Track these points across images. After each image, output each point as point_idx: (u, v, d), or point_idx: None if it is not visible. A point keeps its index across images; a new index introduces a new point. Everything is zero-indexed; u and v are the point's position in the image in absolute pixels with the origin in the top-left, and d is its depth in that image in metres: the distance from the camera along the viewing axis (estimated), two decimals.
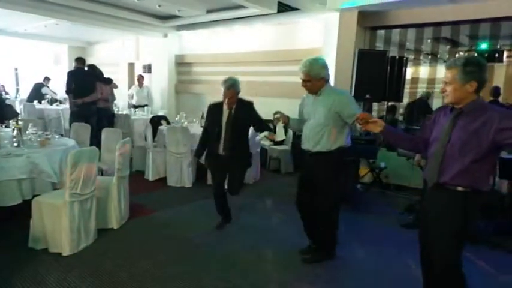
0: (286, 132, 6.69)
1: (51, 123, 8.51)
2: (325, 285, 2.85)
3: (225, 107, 3.57)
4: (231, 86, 3.48)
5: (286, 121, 3.12)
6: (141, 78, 8.90)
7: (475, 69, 1.96)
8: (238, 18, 7.21)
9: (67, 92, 6.28)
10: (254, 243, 3.50)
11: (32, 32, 10.35)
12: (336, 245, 3.26)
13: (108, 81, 7.08)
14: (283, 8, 6.44)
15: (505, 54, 7.57)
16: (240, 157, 3.63)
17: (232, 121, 3.55)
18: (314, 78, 2.90)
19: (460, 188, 2.00)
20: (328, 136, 2.92)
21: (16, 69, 14.12)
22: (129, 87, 10.13)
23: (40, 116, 8.85)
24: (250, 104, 3.65)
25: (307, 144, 3.04)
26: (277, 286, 2.80)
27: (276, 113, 3.11)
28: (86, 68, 6.67)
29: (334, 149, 2.93)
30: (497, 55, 7.12)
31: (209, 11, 7.07)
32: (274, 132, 3.36)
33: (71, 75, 6.20)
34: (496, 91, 6.28)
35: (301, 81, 2.99)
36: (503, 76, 8.19)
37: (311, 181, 3.05)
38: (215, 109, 3.66)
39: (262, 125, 3.64)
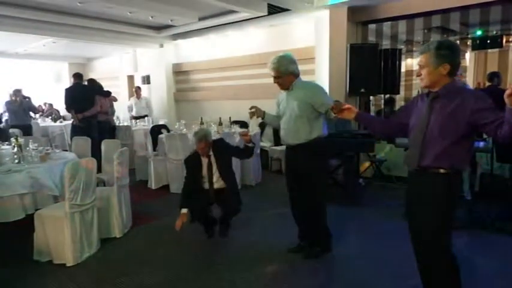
0: (263, 128, 6.76)
1: (55, 139, 8.66)
2: (325, 279, 2.87)
3: (202, 158, 3.53)
4: (203, 137, 3.42)
5: (262, 116, 3.19)
6: (138, 90, 9.01)
7: (447, 52, 2.00)
8: (231, 23, 7.29)
9: (67, 109, 6.36)
10: (255, 245, 3.51)
11: (32, 52, 10.57)
12: (331, 237, 3.28)
13: (107, 94, 7.19)
14: (273, 10, 6.49)
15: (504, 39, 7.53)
16: (231, 199, 3.56)
17: (217, 166, 3.53)
18: (283, 73, 2.99)
19: (442, 170, 2.03)
20: (304, 128, 3.00)
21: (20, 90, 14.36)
22: (130, 99, 10.26)
23: (44, 134, 9.02)
24: (221, 141, 3.71)
25: (286, 139, 3.13)
26: (278, 283, 2.83)
27: (252, 107, 3.17)
28: (85, 83, 6.78)
29: (312, 139, 3.01)
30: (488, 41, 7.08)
31: (201, 18, 7.16)
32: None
33: (67, 91, 6.22)
34: (492, 76, 6.17)
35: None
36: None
37: (296, 175, 3.12)
38: (193, 162, 3.57)
39: (244, 152, 3.61)
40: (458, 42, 8.28)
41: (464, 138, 1.99)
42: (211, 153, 3.52)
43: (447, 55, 2.00)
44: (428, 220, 2.07)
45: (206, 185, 3.57)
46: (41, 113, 10.35)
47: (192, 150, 3.79)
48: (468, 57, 9.07)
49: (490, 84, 5.99)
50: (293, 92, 3.06)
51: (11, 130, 6.82)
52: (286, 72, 2.99)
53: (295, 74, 3.04)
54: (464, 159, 2.06)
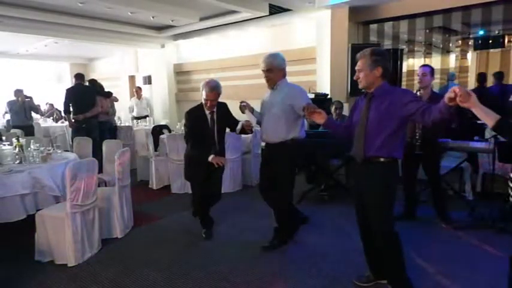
0: None
1: (57, 140, 8.67)
2: (327, 278, 2.87)
3: (206, 112, 3.43)
4: (215, 87, 3.31)
5: (252, 110, 3.31)
6: (139, 90, 8.99)
7: (379, 57, 2.35)
8: (232, 23, 7.30)
9: (64, 111, 6.32)
10: (256, 245, 3.51)
11: (33, 52, 10.59)
12: (296, 231, 3.52)
13: (108, 94, 7.19)
14: (274, 10, 6.50)
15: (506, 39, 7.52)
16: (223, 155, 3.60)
17: (216, 126, 3.47)
18: (276, 68, 3.12)
19: (382, 159, 2.37)
20: (282, 128, 3.13)
21: (22, 90, 14.39)
22: (130, 99, 10.28)
23: (46, 134, 9.04)
24: (225, 105, 3.58)
25: (264, 136, 3.29)
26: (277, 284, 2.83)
27: (242, 102, 3.30)
28: (86, 83, 6.78)
29: (289, 140, 3.14)
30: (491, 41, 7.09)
31: (202, 19, 7.17)
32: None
33: (69, 92, 6.17)
34: (481, 77, 6.43)
35: (291, 77, 3.31)
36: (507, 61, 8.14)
37: (268, 171, 3.30)
38: (197, 115, 3.45)
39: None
40: (460, 42, 8.28)
41: (397, 130, 2.33)
42: (214, 110, 3.43)
43: (379, 60, 2.34)
44: (375, 201, 2.42)
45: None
46: (45, 113, 10.35)
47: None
48: (470, 58, 9.06)
49: (478, 85, 6.17)
50: (277, 92, 3.19)
51: (12, 130, 6.82)
52: (278, 67, 3.13)
53: (284, 73, 3.19)
54: (398, 148, 2.39)
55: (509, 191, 2.98)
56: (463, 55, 8.63)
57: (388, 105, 2.30)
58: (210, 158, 3.32)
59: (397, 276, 2.51)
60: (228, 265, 3.13)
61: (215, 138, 3.46)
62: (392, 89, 2.43)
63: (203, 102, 3.38)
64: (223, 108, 3.53)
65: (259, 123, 3.36)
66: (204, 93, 3.32)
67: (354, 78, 2.45)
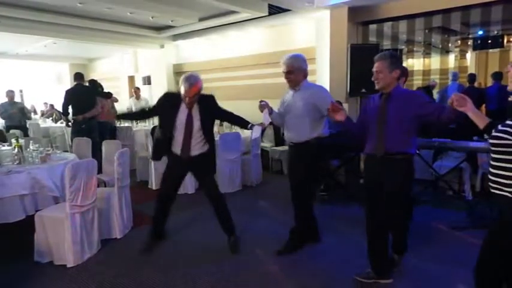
0: (264, 129, 6.72)
1: (56, 140, 8.66)
2: (327, 279, 2.87)
3: (183, 105, 3.15)
4: (195, 83, 3.02)
5: (271, 111, 3.20)
6: (137, 90, 8.96)
7: (396, 60, 2.59)
8: (231, 23, 7.30)
9: (63, 113, 6.29)
10: (256, 246, 3.51)
11: (33, 52, 10.60)
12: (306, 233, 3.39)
13: (108, 95, 7.18)
14: (274, 10, 6.50)
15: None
16: (203, 162, 3.33)
17: (200, 122, 3.18)
18: (297, 70, 3.10)
19: (401, 155, 2.57)
20: (306, 127, 3.11)
21: (21, 91, 14.42)
22: (129, 99, 10.27)
23: (45, 135, 9.04)
24: (212, 98, 3.28)
25: (288, 137, 3.28)
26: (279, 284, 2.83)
27: (261, 101, 3.18)
28: (86, 83, 6.76)
29: (312, 139, 3.13)
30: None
31: (201, 19, 7.17)
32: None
33: (67, 94, 6.09)
34: (471, 77, 6.81)
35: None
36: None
37: (294, 171, 3.27)
38: (172, 101, 3.17)
39: (237, 116, 3.37)
40: (459, 42, 8.28)
41: (412, 128, 2.55)
42: (195, 106, 3.16)
43: (397, 63, 2.59)
44: (392, 192, 2.59)
45: (176, 147, 3.21)
46: (45, 113, 10.36)
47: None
48: (469, 58, 9.06)
49: (469, 85, 6.44)
50: (300, 92, 3.16)
51: (11, 131, 6.83)
52: (299, 69, 3.11)
53: (305, 74, 3.16)
54: (413, 144, 2.60)
55: None
56: (462, 55, 8.65)
57: (406, 106, 2.51)
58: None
59: (403, 241, 2.89)
60: (228, 265, 3.13)
61: (185, 134, 3.16)
62: (406, 91, 2.75)
63: (182, 97, 3.11)
64: (209, 101, 3.24)
65: (274, 123, 3.37)
66: (182, 88, 3.04)
67: (372, 79, 2.62)
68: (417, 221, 3.93)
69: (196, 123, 3.18)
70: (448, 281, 2.80)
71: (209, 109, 3.25)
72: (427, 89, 7.20)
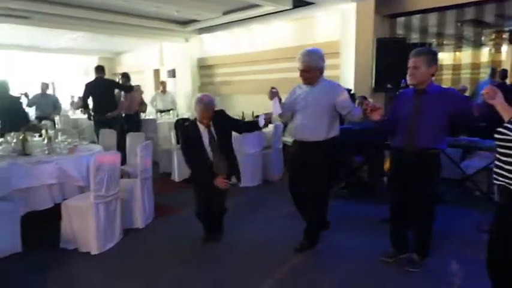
0: (286, 123, 6.57)
1: (84, 131, 8.94)
2: (341, 277, 2.84)
3: (201, 127, 3.21)
4: (209, 103, 3.14)
5: (280, 100, 3.09)
6: (163, 84, 9.09)
7: (434, 57, 2.60)
8: (255, 17, 7.26)
9: (83, 106, 6.41)
10: (274, 241, 3.51)
11: (63, 46, 10.96)
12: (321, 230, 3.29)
13: (129, 89, 6.98)
14: (298, 3, 6.41)
15: None
16: (235, 171, 3.41)
17: (217, 139, 3.23)
18: (313, 69, 2.96)
19: (432, 151, 2.64)
20: (324, 126, 2.99)
21: (53, 83, 15.00)
22: (154, 92, 10.44)
23: (74, 126, 9.36)
24: (222, 112, 3.36)
25: (301, 134, 3.08)
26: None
27: (273, 87, 3.08)
28: (115, 78, 6.86)
29: (330, 139, 3.02)
30: None
31: (225, 13, 7.17)
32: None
33: (87, 87, 6.19)
34: (503, 73, 6.48)
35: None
36: None
37: (305, 169, 3.08)
38: (192, 132, 3.23)
39: (247, 124, 3.42)
40: (493, 35, 7.89)
41: (445, 125, 2.61)
42: (210, 123, 3.23)
43: (435, 59, 2.59)
44: (426, 182, 2.68)
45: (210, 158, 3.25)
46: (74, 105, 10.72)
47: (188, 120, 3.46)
48: (505, 51, 8.62)
49: (501, 81, 6.18)
50: (318, 89, 3.02)
51: (43, 122, 7.10)
52: (316, 67, 2.97)
53: (322, 71, 3.03)
54: (445, 140, 2.70)
55: None
56: (497, 49, 8.23)
57: (441, 102, 2.54)
58: (216, 181, 3.18)
59: (426, 241, 2.86)
60: (245, 260, 3.15)
61: (214, 153, 3.23)
62: (441, 88, 2.79)
63: (197, 118, 3.20)
64: (220, 116, 3.30)
65: (287, 118, 3.22)
66: (198, 110, 3.13)
67: (408, 74, 2.61)
68: (441, 219, 3.80)
69: (218, 140, 3.24)
70: (469, 282, 2.70)
71: (223, 123, 3.30)
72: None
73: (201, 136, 3.21)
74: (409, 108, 2.64)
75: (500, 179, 2.02)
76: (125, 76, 7.11)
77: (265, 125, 3.28)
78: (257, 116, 3.24)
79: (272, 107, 3.07)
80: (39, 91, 7.92)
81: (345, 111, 2.97)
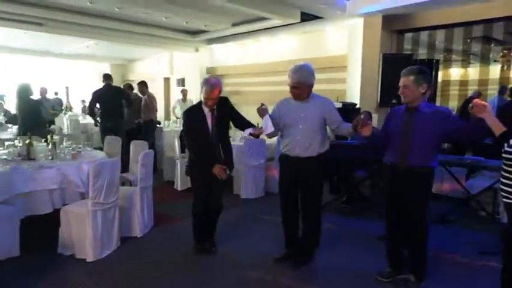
0: None
1: (93, 136, 9.08)
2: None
3: (205, 109, 3.21)
4: (216, 84, 3.11)
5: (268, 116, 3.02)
6: (185, 92, 9.13)
7: (424, 76, 2.59)
8: (264, 29, 7.34)
9: (89, 113, 6.49)
10: (272, 254, 3.48)
11: (75, 52, 11.20)
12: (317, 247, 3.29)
13: (128, 103, 6.81)
14: (306, 17, 6.47)
15: None
16: (229, 161, 3.38)
17: (218, 123, 3.24)
18: (304, 85, 2.94)
19: (423, 168, 2.64)
20: (317, 141, 3.01)
21: (67, 88, 15.33)
22: (165, 100, 10.57)
23: (83, 131, 9.52)
24: (226, 100, 3.34)
25: (295, 150, 3.03)
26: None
27: (263, 104, 3.03)
28: (114, 84, 6.84)
29: (322, 153, 3.04)
30: None
31: (234, 24, 7.27)
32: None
33: (95, 94, 6.27)
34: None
35: (321, 85, 3.24)
36: None
37: (298, 184, 3.10)
38: (196, 114, 3.24)
39: (245, 120, 3.35)
40: (503, 52, 7.81)
41: (436, 142, 2.66)
42: (214, 107, 3.20)
43: (426, 78, 2.59)
44: (418, 200, 2.69)
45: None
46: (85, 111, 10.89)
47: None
48: None
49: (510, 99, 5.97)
50: (310, 105, 3.00)
51: (52, 126, 7.23)
52: (307, 84, 2.95)
53: (312, 86, 3.01)
54: (436, 158, 2.69)
55: None
56: (506, 65, 8.12)
57: (432, 122, 2.57)
58: (214, 169, 3.16)
59: (421, 262, 2.83)
60: (242, 273, 3.13)
61: (216, 139, 3.23)
62: (432, 105, 2.77)
63: (203, 100, 3.18)
64: (224, 103, 3.29)
65: (274, 133, 3.08)
66: (204, 90, 3.11)
67: (399, 93, 2.66)
68: (443, 240, 3.74)
69: (217, 124, 3.24)
70: None
71: (225, 110, 3.29)
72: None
73: (206, 118, 3.20)
74: (401, 125, 2.67)
75: (510, 196, 2.13)
76: (131, 88, 7.19)
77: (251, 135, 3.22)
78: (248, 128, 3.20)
79: (263, 124, 2.98)
80: (52, 96, 8.11)
81: (334, 125, 3.00)
